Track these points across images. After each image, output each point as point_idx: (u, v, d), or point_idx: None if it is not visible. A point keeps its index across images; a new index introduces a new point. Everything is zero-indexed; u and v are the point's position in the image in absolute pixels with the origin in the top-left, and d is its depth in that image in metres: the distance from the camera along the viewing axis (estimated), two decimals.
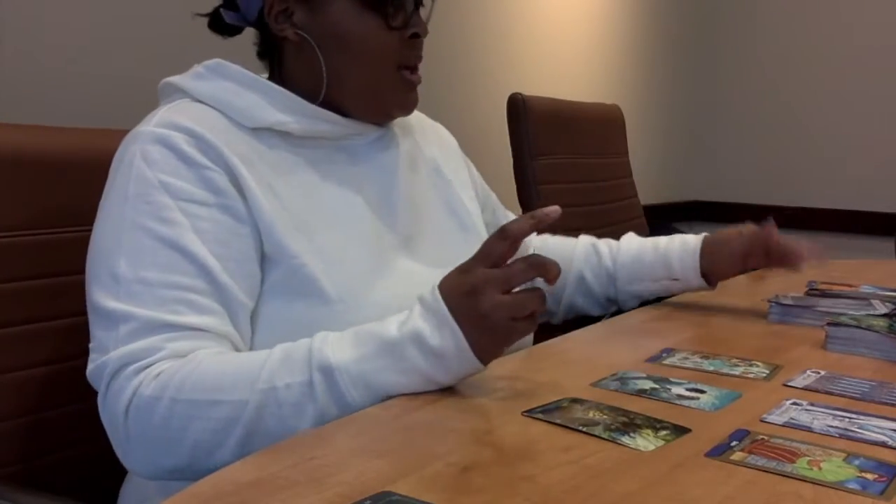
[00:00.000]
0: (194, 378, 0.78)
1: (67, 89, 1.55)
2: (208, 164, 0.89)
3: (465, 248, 0.88)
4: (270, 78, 1.00)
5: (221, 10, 1.02)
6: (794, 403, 0.81)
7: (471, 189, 1.17)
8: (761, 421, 0.77)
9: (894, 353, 1.00)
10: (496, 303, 0.78)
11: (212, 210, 0.88)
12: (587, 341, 1.11)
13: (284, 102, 0.96)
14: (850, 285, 1.37)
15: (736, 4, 3.66)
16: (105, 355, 0.81)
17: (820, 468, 0.66)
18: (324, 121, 0.99)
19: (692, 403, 0.81)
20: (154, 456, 0.80)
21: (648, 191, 2.85)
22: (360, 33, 0.97)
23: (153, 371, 0.80)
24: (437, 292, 0.80)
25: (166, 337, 0.81)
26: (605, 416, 0.76)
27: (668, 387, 0.86)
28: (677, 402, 0.82)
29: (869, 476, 0.65)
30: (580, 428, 0.74)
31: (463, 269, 0.82)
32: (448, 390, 0.83)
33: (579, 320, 1.28)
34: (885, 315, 1.11)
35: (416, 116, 1.16)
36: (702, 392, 0.85)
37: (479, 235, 1.10)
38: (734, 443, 0.71)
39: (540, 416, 0.77)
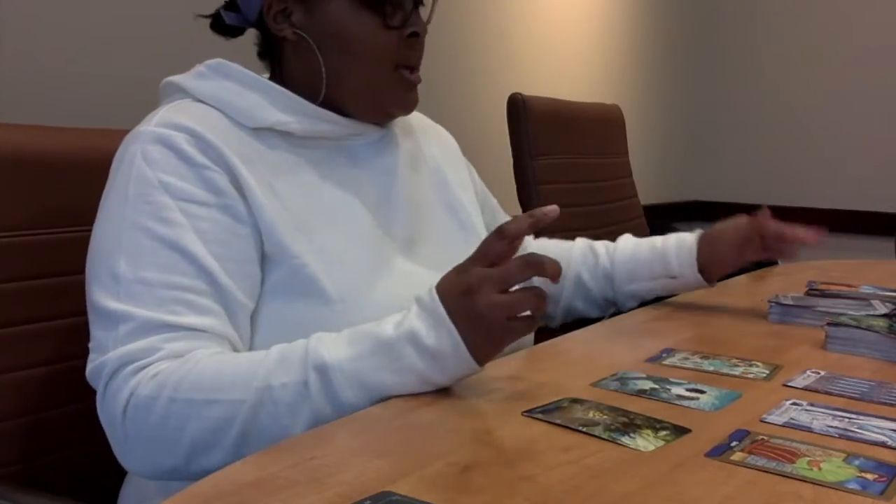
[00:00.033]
0: (191, 378, 0.78)
1: (67, 89, 1.55)
2: (209, 164, 0.88)
3: (466, 249, 0.87)
4: (271, 78, 1.00)
5: (222, 11, 1.03)
6: (794, 404, 0.81)
7: (471, 190, 1.17)
8: (761, 421, 0.77)
9: (894, 354, 1.00)
10: (492, 302, 0.78)
11: (212, 210, 0.88)
12: (587, 341, 1.11)
13: (285, 102, 0.96)
14: (850, 285, 1.37)
15: (736, 4, 3.66)
16: (104, 355, 0.81)
17: (820, 468, 0.66)
18: (325, 121, 0.99)
19: (692, 404, 0.81)
20: (152, 455, 0.80)
21: (648, 191, 2.85)
22: (357, 32, 0.97)
23: (151, 371, 0.80)
24: (433, 292, 0.80)
25: (165, 337, 0.81)
26: (605, 417, 0.76)
27: (668, 387, 0.86)
28: (677, 402, 0.82)
29: (869, 476, 0.65)
30: (580, 428, 0.73)
31: (460, 269, 0.81)
32: (448, 390, 0.82)
33: (579, 321, 1.28)
34: (885, 315, 1.11)
35: (417, 117, 1.16)
36: (702, 392, 0.85)
37: (480, 236, 1.09)
38: (734, 443, 0.71)
39: (540, 416, 0.77)
